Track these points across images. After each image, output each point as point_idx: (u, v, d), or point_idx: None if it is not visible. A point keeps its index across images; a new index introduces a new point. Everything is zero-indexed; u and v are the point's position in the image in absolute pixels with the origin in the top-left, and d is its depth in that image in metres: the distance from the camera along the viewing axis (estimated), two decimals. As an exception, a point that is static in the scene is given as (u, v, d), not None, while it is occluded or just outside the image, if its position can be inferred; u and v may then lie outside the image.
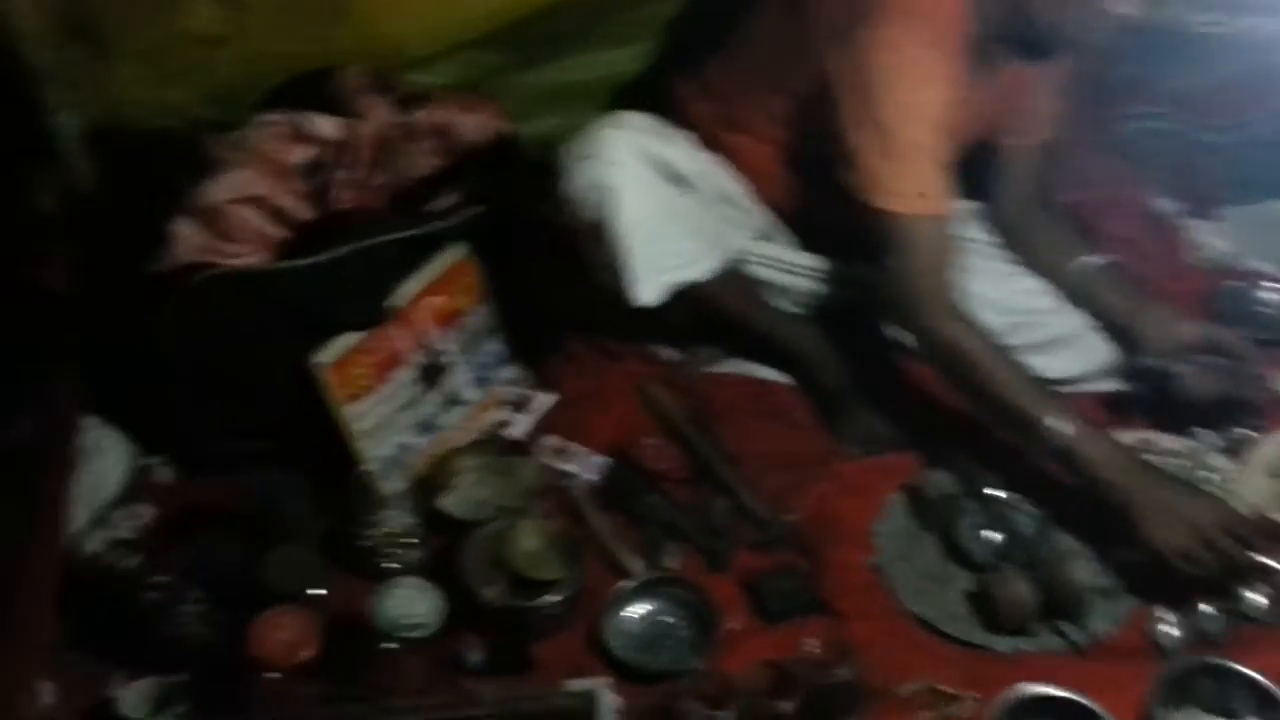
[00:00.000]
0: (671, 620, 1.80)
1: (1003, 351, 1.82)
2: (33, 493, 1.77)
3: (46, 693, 1.64)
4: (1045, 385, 1.83)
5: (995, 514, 1.85)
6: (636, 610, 1.80)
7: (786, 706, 1.64)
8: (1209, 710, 1.60)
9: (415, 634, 1.67)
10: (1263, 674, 1.61)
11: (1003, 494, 1.87)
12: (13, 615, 1.64)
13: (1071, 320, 2.02)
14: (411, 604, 1.69)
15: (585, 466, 1.99)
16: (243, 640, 1.63)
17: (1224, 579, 1.70)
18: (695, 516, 1.94)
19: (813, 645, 1.71)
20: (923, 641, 1.75)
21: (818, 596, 1.81)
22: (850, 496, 1.94)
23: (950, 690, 1.68)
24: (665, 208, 1.91)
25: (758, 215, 2.06)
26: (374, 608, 1.68)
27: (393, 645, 1.67)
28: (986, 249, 2.08)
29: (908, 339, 1.93)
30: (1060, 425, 1.74)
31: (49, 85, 1.92)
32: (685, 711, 1.63)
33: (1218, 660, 1.63)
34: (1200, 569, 1.69)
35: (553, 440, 2.03)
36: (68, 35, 1.92)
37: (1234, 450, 1.93)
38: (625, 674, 1.73)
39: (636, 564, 1.86)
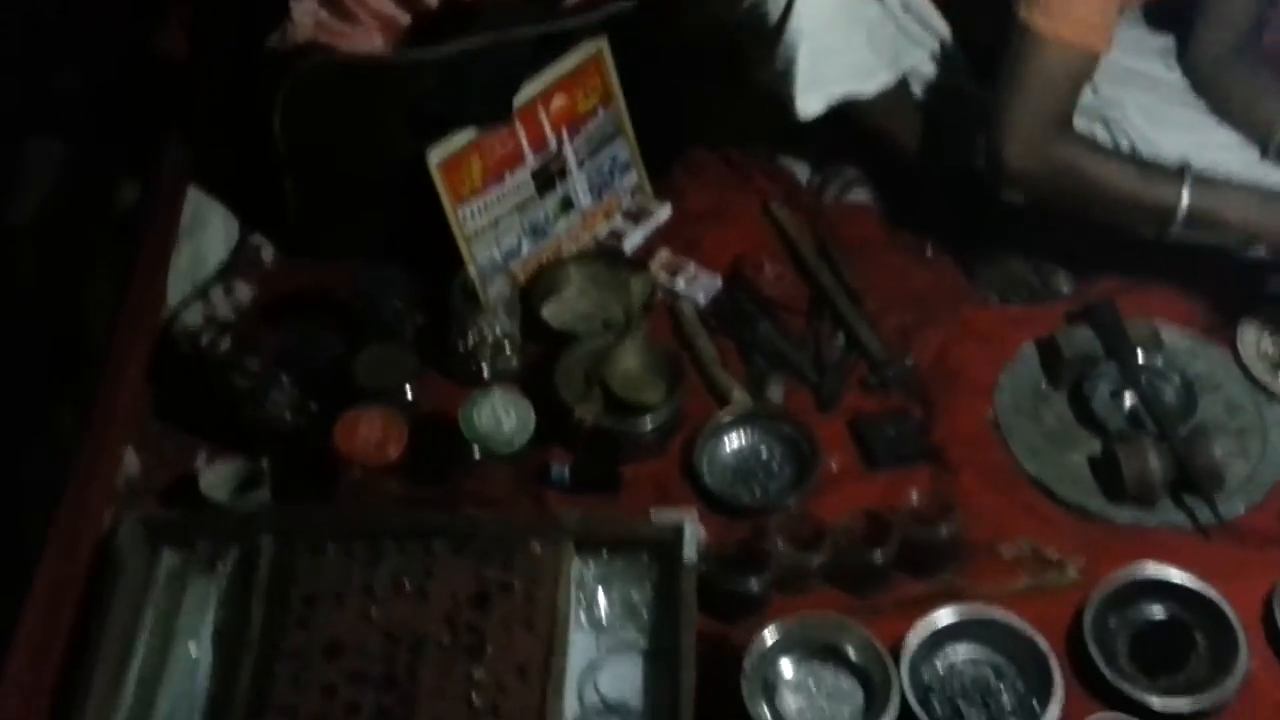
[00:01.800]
0: (768, 456, 1.70)
1: (1111, 154, 1.68)
2: (132, 261, 1.73)
3: (132, 463, 1.63)
4: (1161, 167, 1.66)
5: (1137, 379, 1.68)
6: (734, 442, 1.71)
7: (879, 556, 1.53)
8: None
9: (502, 447, 1.60)
10: None
11: (1156, 360, 1.70)
12: (104, 383, 1.62)
13: (1271, 180, 1.79)
14: (501, 415, 1.61)
15: (697, 287, 1.87)
16: (329, 433, 1.58)
17: None
18: (807, 350, 1.81)
19: (916, 497, 1.59)
20: (1034, 504, 1.62)
21: (927, 446, 1.69)
22: (977, 344, 1.78)
23: (1055, 556, 1.55)
24: (849, 13, 1.72)
25: (938, 33, 1.86)
26: (463, 415, 1.61)
27: (480, 454, 1.61)
28: (1175, 93, 1.85)
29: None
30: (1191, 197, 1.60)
31: None
32: (771, 549, 1.53)
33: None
34: None
35: (666, 256, 1.91)
36: None
37: None
38: (714, 505, 1.64)
39: (740, 394, 1.75)
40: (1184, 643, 1.41)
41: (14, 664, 1.40)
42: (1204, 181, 1.62)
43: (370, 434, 1.59)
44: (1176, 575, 1.46)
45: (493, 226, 1.81)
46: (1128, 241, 1.74)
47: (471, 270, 1.76)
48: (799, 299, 1.87)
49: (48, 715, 1.41)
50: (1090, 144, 1.69)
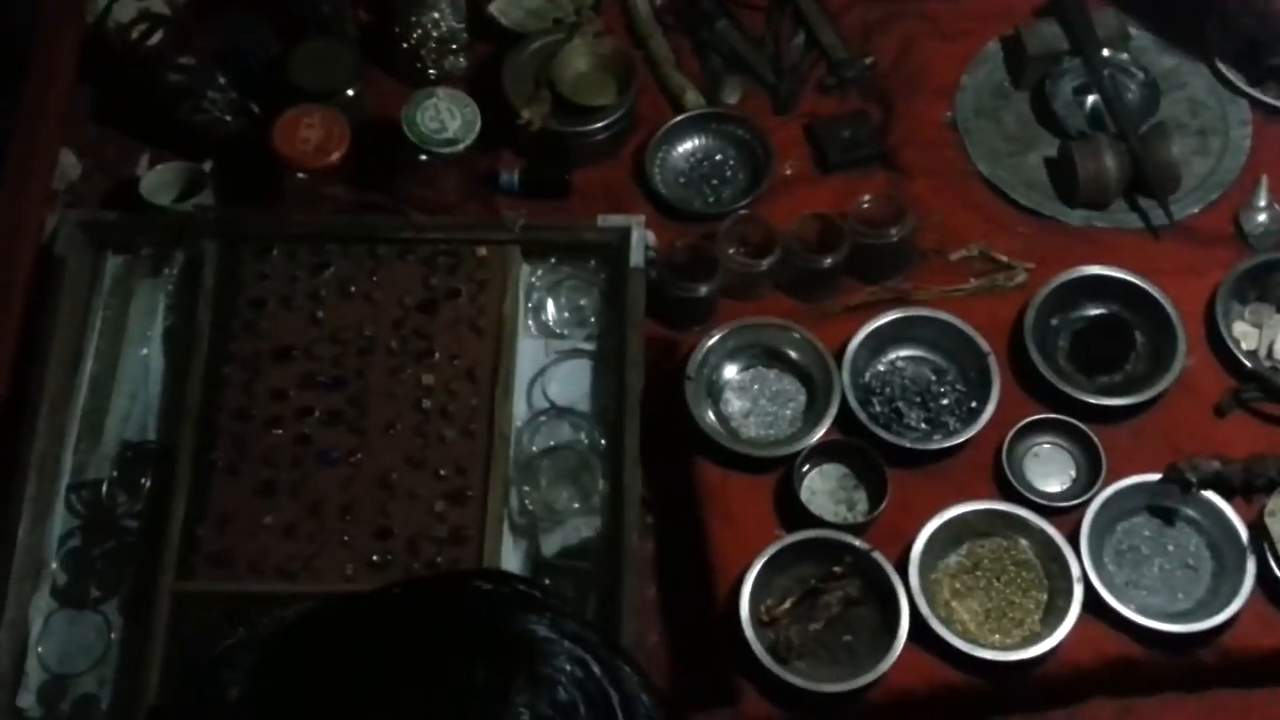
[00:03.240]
0: (722, 160, 1.64)
1: None
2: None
3: (71, 166, 1.57)
4: None
5: (1101, 77, 1.61)
6: (688, 145, 1.65)
7: (828, 260, 1.51)
8: (1282, 310, 1.44)
9: (447, 149, 1.54)
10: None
11: (1122, 55, 1.62)
12: (33, 80, 1.54)
13: None
14: (445, 116, 1.54)
15: (653, -19, 1.76)
16: (270, 135, 1.52)
17: None
18: (765, 50, 1.72)
19: (867, 201, 1.55)
20: (988, 206, 1.58)
21: (883, 149, 1.63)
22: (941, 42, 1.70)
23: (1004, 258, 1.53)
24: None
25: None
26: (405, 115, 1.53)
27: (426, 156, 1.55)
28: None
29: None
30: None
31: None
32: (720, 255, 1.51)
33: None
34: None
35: (621, -51, 1.79)
36: None
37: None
38: (666, 211, 1.60)
39: (694, 95, 1.67)
40: (1124, 340, 1.41)
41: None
42: None
43: (310, 136, 1.52)
44: (1119, 273, 1.44)
45: (436, -87, 1.68)
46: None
47: (413, -39, 1.64)
48: (758, -7, 1.77)
49: (1, 422, 1.41)
50: None
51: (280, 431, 1.38)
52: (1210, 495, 1.29)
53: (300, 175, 1.53)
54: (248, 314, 1.43)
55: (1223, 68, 1.62)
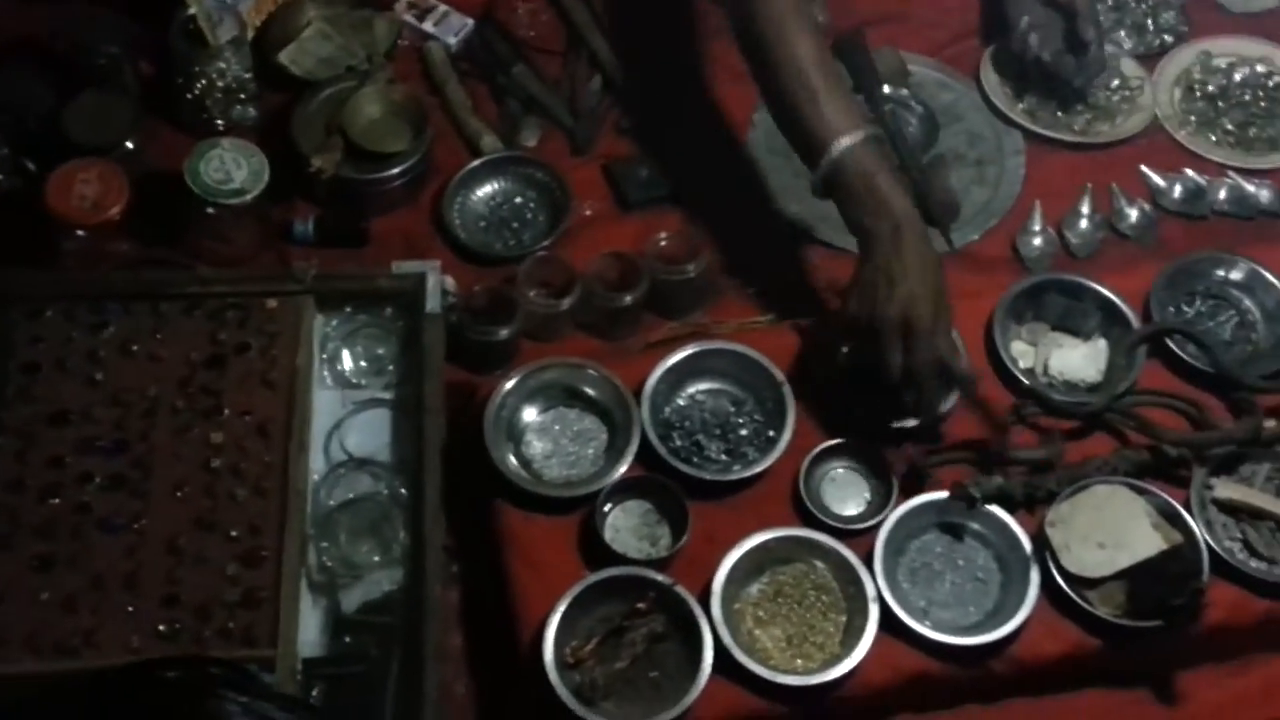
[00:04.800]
0: (522, 203, 1.63)
1: (825, 63, 1.40)
2: None
3: None
4: (855, 110, 1.41)
5: (883, 112, 1.64)
6: (487, 189, 1.63)
7: (628, 298, 1.50)
8: (1058, 327, 1.48)
9: (234, 199, 1.48)
10: (1115, 291, 1.47)
11: (902, 90, 1.67)
12: None
13: None
14: (231, 166, 1.49)
15: (447, 28, 1.74)
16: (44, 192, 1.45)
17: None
18: (563, 93, 1.72)
19: (664, 238, 1.55)
20: (787, 240, 1.60)
21: (681, 186, 1.64)
22: (734, 82, 1.71)
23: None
24: None
25: None
26: (188, 166, 1.48)
27: (213, 209, 1.49)
28: None
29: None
30: (843, 149, 1.34)
31: None
32: (520, 297, 1.49)
33: (1070, 276, 1.49)
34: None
35: (413, -5, 1.77)
36: None
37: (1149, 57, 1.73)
38: (468, 255, 1.57)
39: (491, 140, 1.66)
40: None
41: None
42: None
43: (87, 192, 1.45)
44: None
45: (219, -37, 1.63)
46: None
47: (195, 8, 1.58)
48: (555, 39, 1.77)
49: None
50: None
51: (58, 501, 1.29)
52: (995, 509, 1.32)
53: (79, 233, 1.46)
54: (20, 379, 1.35)
55: (997, 102, 1.68)
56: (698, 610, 1.26)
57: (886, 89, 1.66)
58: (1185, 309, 1.49)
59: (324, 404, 1.41)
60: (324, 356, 1.44)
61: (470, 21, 1.75)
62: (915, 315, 1.30)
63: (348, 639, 1.29)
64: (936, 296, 1.31)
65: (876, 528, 1.32)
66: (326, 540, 1.34)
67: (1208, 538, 1.30)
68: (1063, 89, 1.67)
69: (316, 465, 1.38)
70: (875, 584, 1.27)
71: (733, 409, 1.42)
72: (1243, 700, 1.32)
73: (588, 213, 1.62)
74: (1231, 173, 1.63)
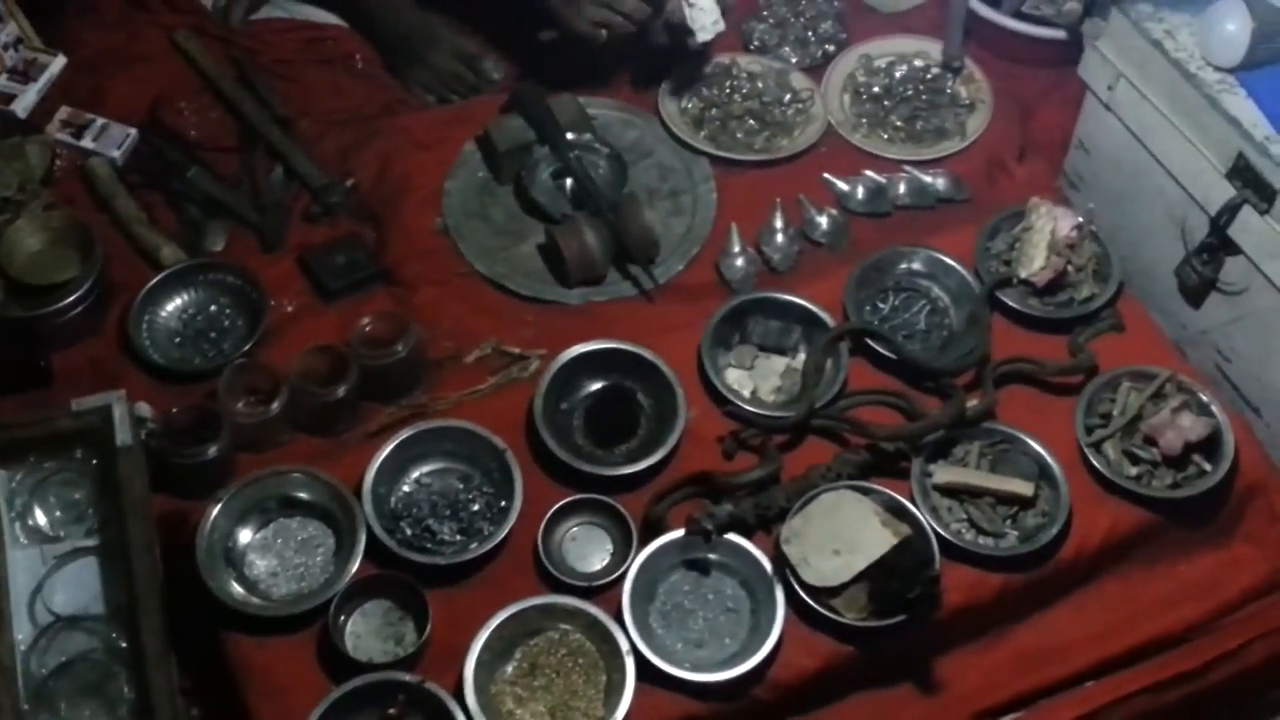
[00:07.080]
0: (217, 309, 1.54)
1: None
2: None
3: None
4: None
5: (569, 159, 1.63)
6: (176, 302, 1.53)
7: (340, 391, 1.43)
8: (765, 348, 1.49)
9: (-116, 362, 1.35)
10: (811, 300, 1.49)
11: (585, 135, 1.66)
12: None
13: None
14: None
15: (109, 141, 1.64)
16: None
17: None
18: (243, 189, 1.64)
19: (368, 323, 1.49)
20: (494, 303, 1.56)
21: (381, 267, 1.58)
22: (418, 152, 1.67)
23: (517, 350, 1.51)
24: None
25: None
26: None
27: None
28: None
29: None
30: None
31: None
32: (223, 410, 1.40)
33: (768, 294, 1.50)
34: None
35: (67, 112, 1.65)
36: None
37: (815, 68, 1.77)
38: (166, 376, 1.48)
39: (171, 250, 1.56)
40: (631, 407, 1.41)
41: None
42: None
43: None
44: (612, 344, 1.44)
45: None
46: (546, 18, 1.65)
47: None
48: (227, 136, 1.69)
49: None
50: None
51: None
52: (733, 537, 1.31)
53: None
54: None
55: (679, 132, 1.68)
56: (452, 704, 1.20)
57: (570, 135, 1.65)
58: (880, 305, 1.52)
59: (21, 564, 1.29)
60: (13, 514, 1.32)
61: (133, 131, 1.66)
62: None
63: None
64: None
65: (622, 578, 1.28)
66: (45, 713, 1.22)
67: (934, 524, 1.31)
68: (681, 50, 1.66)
69: (22, 632, 1.26)
70: (627, 637, 1.24)
71: (461, 485, 1.37)
72: (999, 674, 1.34)
73: (289, 309, 1.55)
74: (907, 167, 1.68)
